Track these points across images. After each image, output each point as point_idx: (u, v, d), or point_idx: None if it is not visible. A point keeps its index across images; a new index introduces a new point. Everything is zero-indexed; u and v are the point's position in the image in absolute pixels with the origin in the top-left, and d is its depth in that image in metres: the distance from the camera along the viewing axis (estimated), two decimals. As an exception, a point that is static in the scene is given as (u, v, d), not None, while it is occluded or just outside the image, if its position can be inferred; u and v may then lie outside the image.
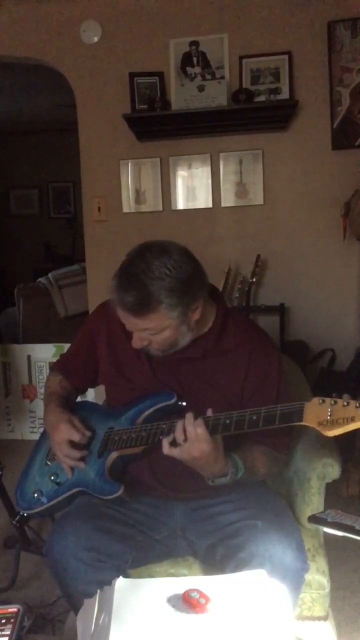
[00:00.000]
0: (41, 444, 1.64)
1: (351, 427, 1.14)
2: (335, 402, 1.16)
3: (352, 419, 1.13)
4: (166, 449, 1.30)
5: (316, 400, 1.18)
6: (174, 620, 1.03)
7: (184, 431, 1.28)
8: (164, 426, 1.38)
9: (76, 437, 1.46)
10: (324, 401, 1.17)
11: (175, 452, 1.29)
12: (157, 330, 1.36)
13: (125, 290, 1.31)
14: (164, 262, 1.32)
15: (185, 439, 1.27)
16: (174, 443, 1.30)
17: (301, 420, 1.19)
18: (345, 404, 1.15)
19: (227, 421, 1.28)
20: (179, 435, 1.28)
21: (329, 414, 1.16)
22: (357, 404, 1.14)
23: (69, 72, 3.14)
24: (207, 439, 1.26)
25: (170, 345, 1.41)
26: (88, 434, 1.49)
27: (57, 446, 1.49)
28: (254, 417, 1.26)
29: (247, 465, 1.37)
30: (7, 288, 5.49)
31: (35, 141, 6.85)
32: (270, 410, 1.24)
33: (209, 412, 1.31)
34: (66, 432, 1.47)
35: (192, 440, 1.26)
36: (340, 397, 1.17)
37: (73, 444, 1.46)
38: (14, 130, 6.67)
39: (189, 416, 1.28)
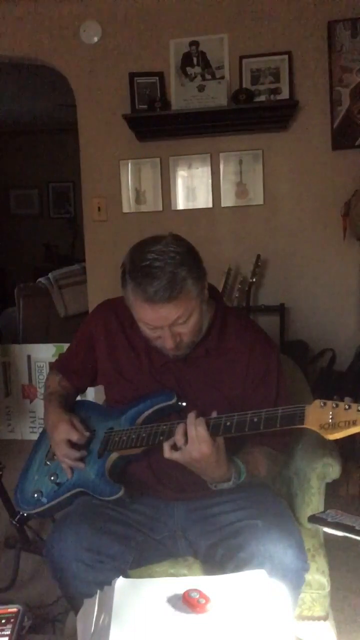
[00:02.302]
0: (41, 444, 1.64)
1: (353, 430, 1.13)
2: (337, 405, 1.15)
3: (354, 423, 1.12)
4: (167, 452, 1.30)
5: (318, 402, 1.18)
6: (174, 620, 1.03)
7: (185, 433, 1.27)
8: (164, 427, 1.37)
9: (75, 437, 1.46)
10: (325, 404, 1.17)
11: (176, 456, 1.29)
12: (187, 315, 1.35)
13: (151, 283, 1.30)
14: (165, 245, 1.34)
15: (186, 442, 1.27)
16: (174, 447, 1.30)
17: (302, 423, 1.19)
18: (347, 407, 1.14)
19: (228, 423, 1.28)
20: (179, 438, 1.28)
21: (330, 417, 1.15)
22: (359, 407, 1.13)
23: (69, 72, 3.14)
24: (207, 439, 1.25)
25: (198, 331, 1.42)
26: (87, 434, 1.49)
27: (57, 445, 1.49)
28: (255, 419, 1.25)
29: (249, 468, 1.37)
30: (7, 288, 5.50)
31: (35, 141, 6.85)
32: (272, 413, 1.24)
33: (214, 415, 1.31)
34: (65, 431, 1.47)
35: (192, 440, 1.26)
36: (342, 400, 1.16)
37: (72, 444, 1.46)
38: (14, 130, 6.67)
39: (191, 416, 1.28)
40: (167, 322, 1.34)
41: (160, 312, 1.32)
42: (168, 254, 1.32)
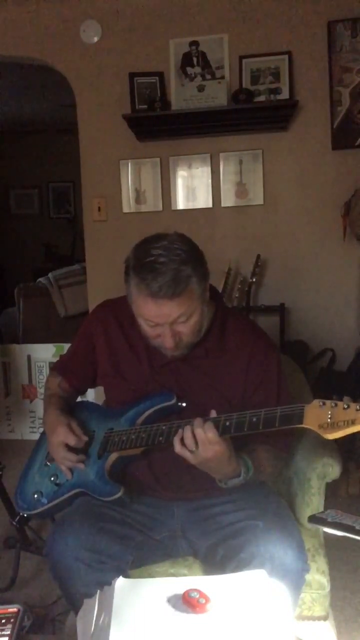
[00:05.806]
0: (41, 445, 1.64)
1: (351, 430, 1.13)
2: (336, 405, 1.16)
3: (353, 422, 1.13)
4: (178, 447, 1.28)
5: (317, 402, 1.18)
6: (174, 620, 1.03)
7: (194, 436, 1.27)
8: (163, 427, 1.37)
9: (72, 441, 1.45)
10: (324, 403, 1.17)
11: (188, 456, 1.28)
12: (188, 314, 1.34)
13: (155, 278, 1.29)
14: (170, 242, 1.34)
15: (197, 444, 1.26)
16: (183, 442, 1.29)
17: (301, 423, 1.19)
18: (346, 407, 1.14)
19: (227, 423, 1.28)
20: (189, 442, 1.27)
21: (329, 416, 1.15)
22: (358, 407, 1.13)
23: (69, 72, 3.14)
24: (219, 440, 1.25)
25: (198, 332, 1.41)
26: (85, 438, 1.48)
27: (54, 449, 1.49)
28: (254, 419, 1.25)
29: (254, 464, 1.37)
30: (7, 288, 5.50)
31: (35, 141, 6.84)
32: (271, 412, 1.24)
33: (213, 414, 1.30)
34: (63, 435, 1.46)
35: (203, 442, 1.26)
36: (341, 400, 1.16)
37: (70, 448, 1.46)
38: (14, 130, 6.67)
39: (198, 421, 1.27)
40: (168, 319, 1.33)
41: (163, 308, 1.32)
42: (173, 250, 1.32)
